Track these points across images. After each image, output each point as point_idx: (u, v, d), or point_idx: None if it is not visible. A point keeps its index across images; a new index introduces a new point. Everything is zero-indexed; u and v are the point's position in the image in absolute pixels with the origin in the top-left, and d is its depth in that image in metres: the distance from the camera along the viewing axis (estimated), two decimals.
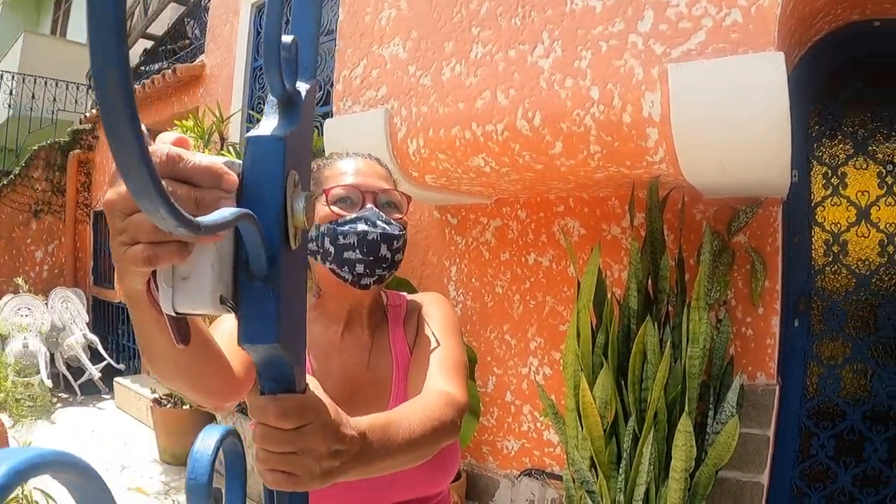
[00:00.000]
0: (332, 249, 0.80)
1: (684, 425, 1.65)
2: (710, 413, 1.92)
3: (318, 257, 0.82)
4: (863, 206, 2.39)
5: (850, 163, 2.42)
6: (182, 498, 3.41)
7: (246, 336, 0.38)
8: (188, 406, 3.74)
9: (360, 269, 0.80)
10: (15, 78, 8.63)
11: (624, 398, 1.87)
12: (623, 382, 1.86)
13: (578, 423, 1.90)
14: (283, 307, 0.38)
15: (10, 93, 8.26)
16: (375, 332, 0.89)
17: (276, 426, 0.44)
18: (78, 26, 11.13)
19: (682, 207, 2.20)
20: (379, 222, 0.81)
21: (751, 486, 2.25)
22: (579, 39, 1.77)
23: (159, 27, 6.72)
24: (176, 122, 3.65)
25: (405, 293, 0.96)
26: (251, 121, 4.38)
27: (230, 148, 3.54)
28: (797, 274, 2.45)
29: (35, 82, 8.28)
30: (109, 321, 6.57)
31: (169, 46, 6.47)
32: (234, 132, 4.34)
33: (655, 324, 1.85)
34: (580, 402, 1.84)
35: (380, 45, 2.31)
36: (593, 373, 1.88)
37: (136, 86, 5.81)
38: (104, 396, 5.55)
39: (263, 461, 0.45)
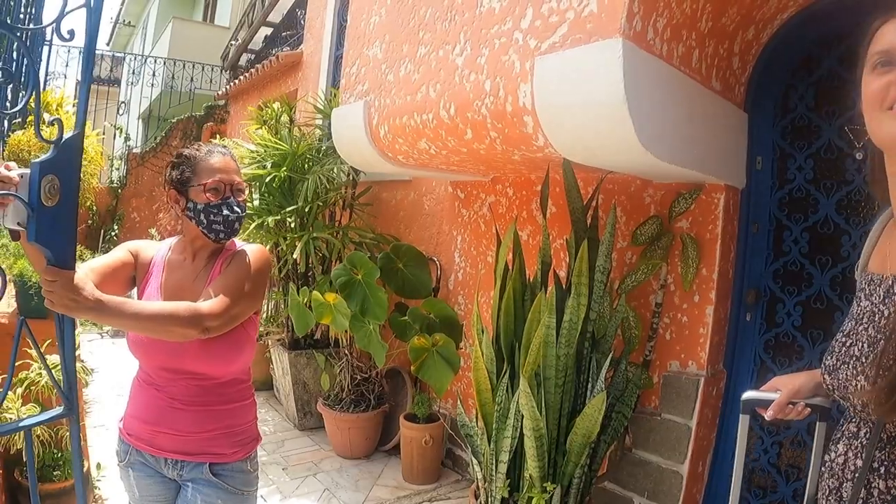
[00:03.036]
0: (205, 220, 1.35)
1: (524, 386, 1.86)
2: (589, 387, 2.09)
3: (194, 221, 1.36)
4: (828, 198, 2.17)
5: (819, 150, 2.20)
6: None
7: (39, 240, 0.96)
8: None
9: (221, 235, 1.38)
10: (166, 62, 10.28)
11: (515, 360, 2.10)
12: (518, 346, 2.11)
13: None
14: (53, 230, 0.96)
15: (153, 74, 9.91)
16: (208, 262, 1.43)
17: (45, 277, 1.01)
18: (223, 11, 12.70)
19: (598, 187, 2.28)
20: (236, 208, 1.37)
21: (670, 473, 2.27)
22: (482, 38, 1.97)
23: (277, 15, 7.57)
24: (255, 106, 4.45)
25: (241, 242, 1.49)
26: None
27: (298, 127, 4.18)
28: (752, 265, 2.35)
29: (175, 64, 9.82)
30: None
31: (283, 34, 7.33)
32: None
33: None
34: (474, 357, 2.13)
35: (368, 46, 2.73)
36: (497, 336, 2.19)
37: (251, 70, 6.69)
38: None
39: (45, 294, 1.03)
